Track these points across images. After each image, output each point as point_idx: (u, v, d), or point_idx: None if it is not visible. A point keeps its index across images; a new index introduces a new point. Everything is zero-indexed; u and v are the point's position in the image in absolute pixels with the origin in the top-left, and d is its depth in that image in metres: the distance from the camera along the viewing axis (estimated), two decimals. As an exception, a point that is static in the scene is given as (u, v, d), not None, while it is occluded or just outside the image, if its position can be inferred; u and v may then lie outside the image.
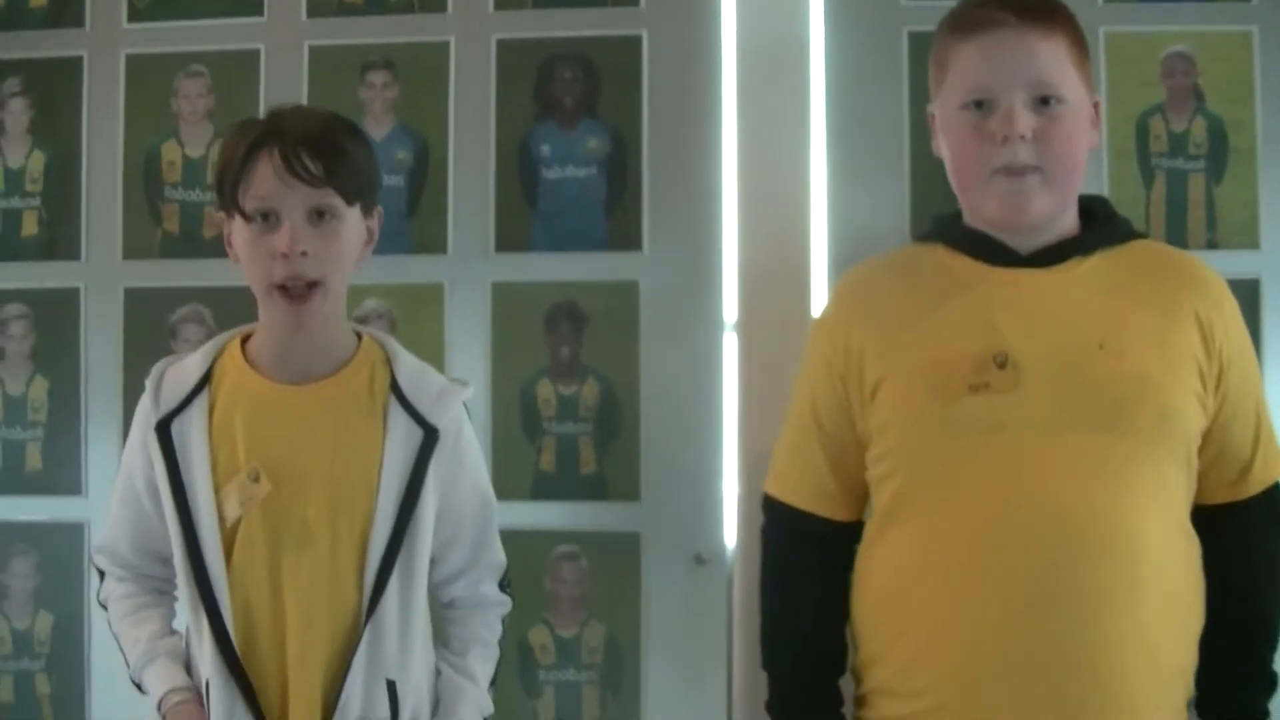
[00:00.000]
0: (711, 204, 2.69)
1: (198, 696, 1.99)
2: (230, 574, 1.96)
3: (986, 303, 1.92)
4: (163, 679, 2.02)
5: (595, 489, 2.71)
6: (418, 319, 2.72)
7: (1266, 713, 1.97)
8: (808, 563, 2.08)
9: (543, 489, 2.71)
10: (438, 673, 2.09)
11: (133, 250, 2.81)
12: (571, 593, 2.71)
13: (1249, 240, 2.56)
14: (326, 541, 1.97)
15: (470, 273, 2.73)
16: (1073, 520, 1.82)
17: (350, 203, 1.97)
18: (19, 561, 2.83)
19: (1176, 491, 1.90)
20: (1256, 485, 1.96)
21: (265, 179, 1.92)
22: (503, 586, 2.17)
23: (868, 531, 2.03)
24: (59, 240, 2.83)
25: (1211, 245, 2.55)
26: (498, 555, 2.17)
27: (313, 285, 1.95)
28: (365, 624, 1.96)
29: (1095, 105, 1.96)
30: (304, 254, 1.93)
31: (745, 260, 2.68)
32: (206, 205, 2.77)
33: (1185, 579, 1.90)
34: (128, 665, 2.06)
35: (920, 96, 2.56)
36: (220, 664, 1.94)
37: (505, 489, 2.55)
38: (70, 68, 2.83)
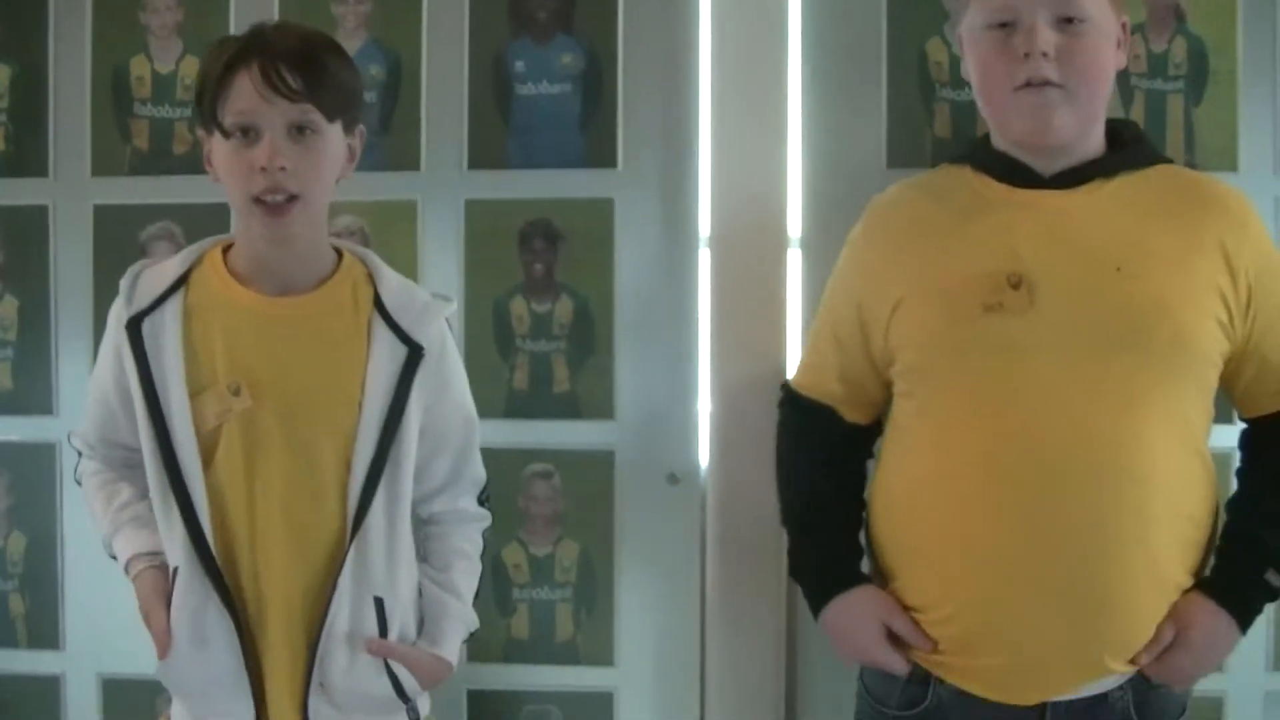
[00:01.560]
0: (687, 121, 2.72)
1: (163, 564, 2.05)
2: (206, 479, 2.01)
3: (1006, 224, 2.00)
4: (130, 543, 2.09)
5: (569, 407, 2.75)
6: (391, 236, 2.75)
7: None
8: (818, 438, 2.22)
9: (516, 407, 2.76)
10: (420, 589, 2.15)
11: (102, 167, 2.83)
12: (545, 511, 2.77)
13: (1227, 163, 2.60)
14: (307, 458, 2.03)
15: (444, 189, 2.76)
16: (1082, 440, 1.90)
17: (331, 119, 2.01)
18: None
19: (1191, 415, 1.97)
20: None
21: (245, 94, 1.96)
22: (482, 501, 2.24)
23: (884, 445, 2.14)
24: (26, 157, 2.85)
25: (1190, 167, 2.51)
26: (478, 470, 2.24)
27: (292, 199, 1.99)
28: (350, 541, 2.02)
29: (1124, 25, 2.03)
30: (283, 168, 1.97)
31: (721, 178, 2.71)
32: (176, 121, 2.80)
33: (1196, 502, 1.98)
34: (102, 536, 2.15)
35: (899, 18, 2.63)
36: (193, 557, 1.99)
37: (479, 407, 2.57)
38: (36, -17, 2.85)
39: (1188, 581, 1.98)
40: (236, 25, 2.77)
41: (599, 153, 2.74)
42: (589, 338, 2.75)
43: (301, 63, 1.98)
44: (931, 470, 2.02)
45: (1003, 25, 1.97)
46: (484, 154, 2.76)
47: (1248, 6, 2.62)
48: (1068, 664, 1.95)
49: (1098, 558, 1.90)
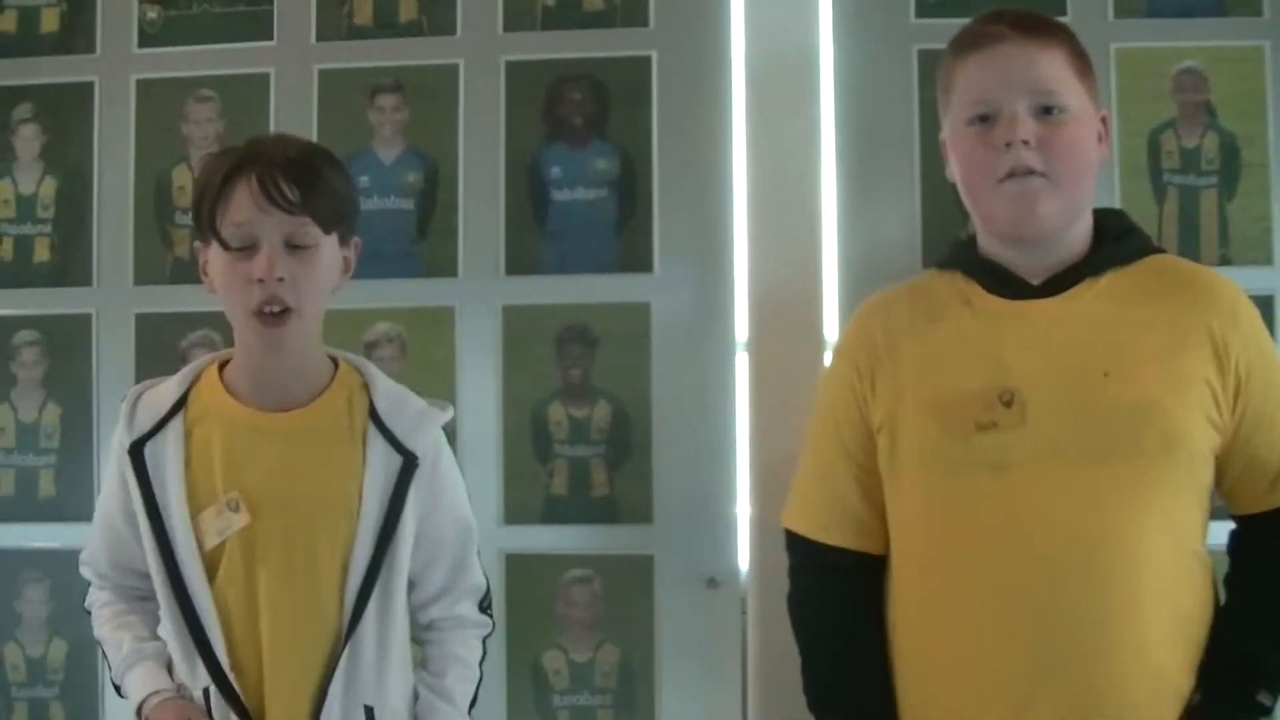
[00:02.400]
0: (722, 225, 2.77)
1: (179, 696, 2.07)
2: (211, 597, 2.03)
3: (996, 335, 2.01)
4: (145, 683, 2.09)
5: (607, 512, 2.78)
6: (428, 342, 2.79)
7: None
8: (845, 601, 2.13)
9: (554, 512, 2.78)
10: (416, 696, 2.16)
11: (144, 276, 2.90)
12: (584, 616, 2.78)
13: (1262, 256, 2.63)
14: (305, 571, 2.05)
15: (481, 295, 2.80)
16: (1073, 549, 1.90)
17: (327, 231, 2.05)
18: (32, 589, 2.92)
19: (1185, 514, 1.96)
20: None
21: (243, 206, 2.00)
22: (482, 608, 2.25)
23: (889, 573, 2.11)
24: (71, 266, 2.92)
25: (1225, 261, 2.62)
26: (476, 578, 2.24)
27: (285, 311, 2.02)
28: (343, 649, 2.04)
29: (1104, 119, 2.05)
30: (280, 280, 2.00)
31: (756, 281, 2.76)
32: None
33: (1192, 602, 1.97)
34: (109, 670, 2.16)
35: (930, 114, 2.64)
36: (212, 680, 2.02)
37: (516, 512, 2.70)
38: (81, 93, 2.93)
39: (1186, 680, 1.96)
40: (276, 130, 2.79)
41: (635, 257, 2.79)
42: (627, 442, 2.78)
43: (299, 174, 2.01)
44: (928, 595, 2.02)
45: (983, 120, 1.99)
46: (520, 259, 2.82)
47: (1278, 100, 2.66)
48: None
49: (1093, 658, 1.90)
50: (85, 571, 2.25)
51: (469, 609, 2.24)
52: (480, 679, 2.23)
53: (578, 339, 2.79)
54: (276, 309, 2.02)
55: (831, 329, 2.74)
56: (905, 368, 2.05)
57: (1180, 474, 1.95)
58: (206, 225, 2.04)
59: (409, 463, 2.11)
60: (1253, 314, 2.03)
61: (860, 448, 2.11)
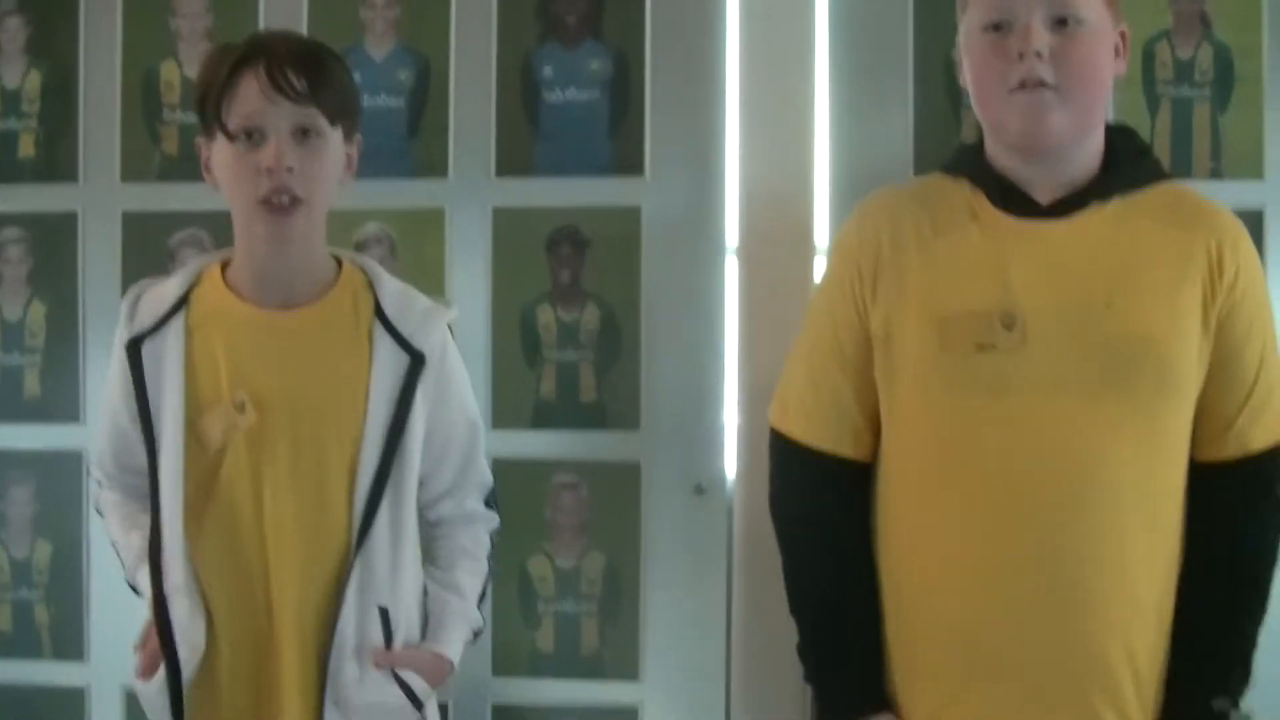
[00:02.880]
0: (715, 129, 2.76)
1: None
2: (213, 505, 2.06)
3: (1001, 255, 2.01)
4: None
5: (595, 417, 2.79)
6: (418, 243, 2.80)
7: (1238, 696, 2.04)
8: (830, 507, 2.15)
9: (543, 417, 2.79)
10: (425, 591, 2.19)
11: (131, 173, 2.89)
12: (571, 522, 2.80)
13: (1253, 170, 2.63)
14: (315, 470, 2.07)
15: (471, 196, 2.80)
16: (1066, 477, 1.94)
17: (333, 123, 2.06)
18: (17, 490, 2.94)
19: (1173, 452, 2.00)
20: (1233, 448, 2.02)
21: (250, 96, 2.01)
22: (489, 504, 2.28)
23: (880, 488, 2.13)
24: (56, 162, 2.91)
25: (1215, 175, 2.62)
26: (484, 474, 2.28)
27: (295, 201, 2.03)
28: (356, 553, 2.06)
29: (1122, 34, 2.04)
30: (289, 169, 2.01)
31: (747, 186, 2.76)
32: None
33: (1173, 537, 2.01)
34: (124, 568, 2.19)
35: (926, 21, 2.67)
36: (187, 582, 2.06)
37: (505, 417, 2.71)
38: (66, -17, 2.90)
39: (1163, 603, 1.99)
40: (267, 25, 2.82)
41: (627, 160, 2.78)
42: (615, 346, 2.79)
43: (305, 65, 2.03)
44: (922, 510, 2.05)
45: (997, 28, 1.98)
46: (512, 161, 2.81)
47: (1273, 12, 2.65)
48: (1062, 693, 1.97)
49: (1080, 579, 1.94)
50: (95, 472, 2.28)
51: (477, 504, 2.28)
52: (489, 573, 2.27)
53: (568, 241, 2.79)
54: (285, 199, 2.03)
55: (822, 234, 2.74)
56: (908, 276, 2.05)
57: (1172, 412, 1.98)
58: (212, 117, 2.04)
59: (416, 361, 2.12)
60: (1252, 252, 2.04)
61: (857, 351, 2.11)
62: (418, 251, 2.80)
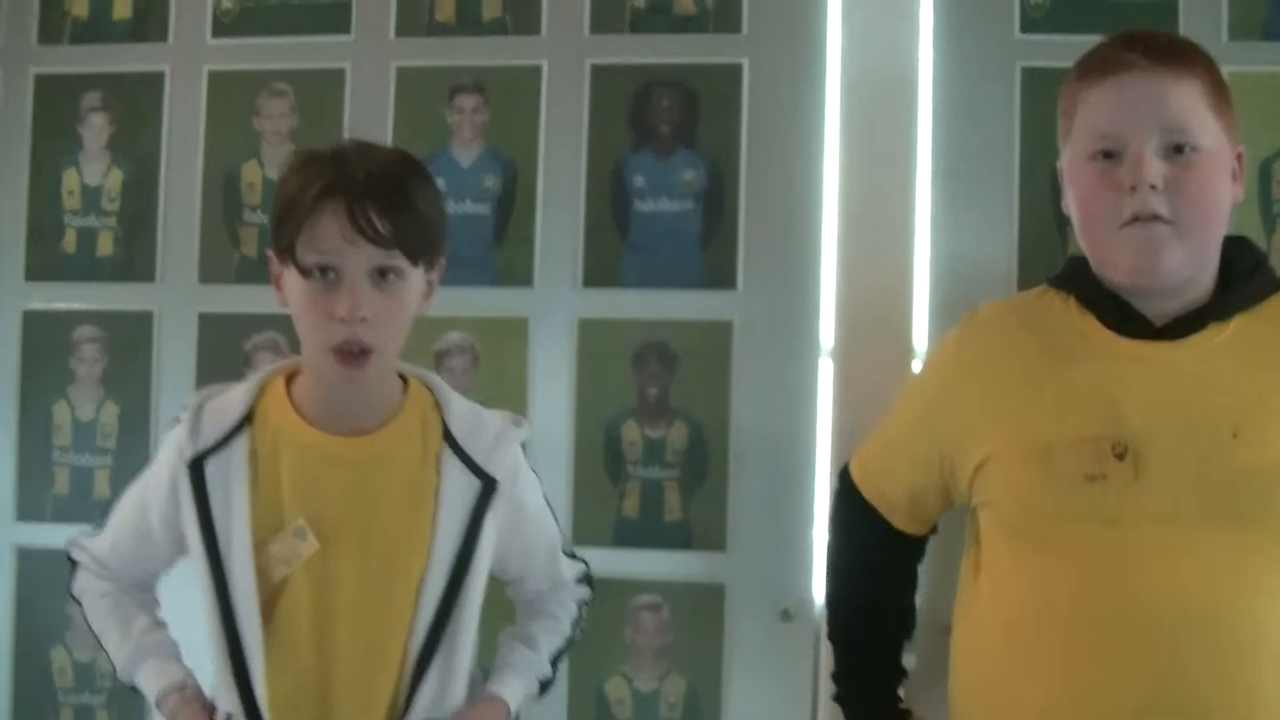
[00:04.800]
0: (810, 243, 2.75)
1: (197, 689, 2.09)
2: (271, 637, 2.02)
3: (1113, 379, 1.94)
4: (160, 675, 2.11)
5: (680, 537, 2.77)
6: (501, 353, 2.79)
7: None
8: (869, 545, 2.26)
9: (625, 536, 2.78)
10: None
11: (209, 274, 2.92)
12: (652, 644, 2.78)
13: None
14: (379, 603, 2.04)
15: (557, 307, 2.80)
16: (1189, 620, 1.83)
17: (415, 263, 2.01)
18: None
19: None
20: None
21: (329, 234, 1.95)
22: (581, 581, 2.30)
23: (966, 607, 2.10)
24: (135, 261, 2.95)
25: None
26: (571, 571, 2.30)
27: (368, 352, 1.99)
28: (411, 693, 2.04)
29: (1239, 156, 1.98)
30: (364, 319, 1.96)
31: (845, 288, 2.74)
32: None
33: None
34: (113, 665, 2.16)
35: (1031, 132, 2.65)
36: (241, 711, 2.01)
37: (586, 534, 2.69)
38: (152, 83, 2.96)
39: None
40: (351, 131, 2.83)
41: (719, 273, 2.77)
42: (703, 465, 2.77)
43: (391, 202, 1.96)
44: (1022, 632, 1.96)
45: (1107, 156, 1.93)
46: (599, 271, 2.81)
47: None
48: None
49: None
50: (79, 555, 2.23)
51: (569, 581, 2.30)
52: (571, 638, 2.28)
53: (656, 356, 2.79)
54: (357, 348, 1.99)
55: (921, 338, 2.72)
56: (1009, 403, 2.01)
57: None
58: (286, 246, 1.99)
59: (487, 486, 2.10)
60: None
61: (927, 463, 2.14)
62: (499, 362, 2.79)
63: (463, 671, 2.12)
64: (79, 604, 2.23)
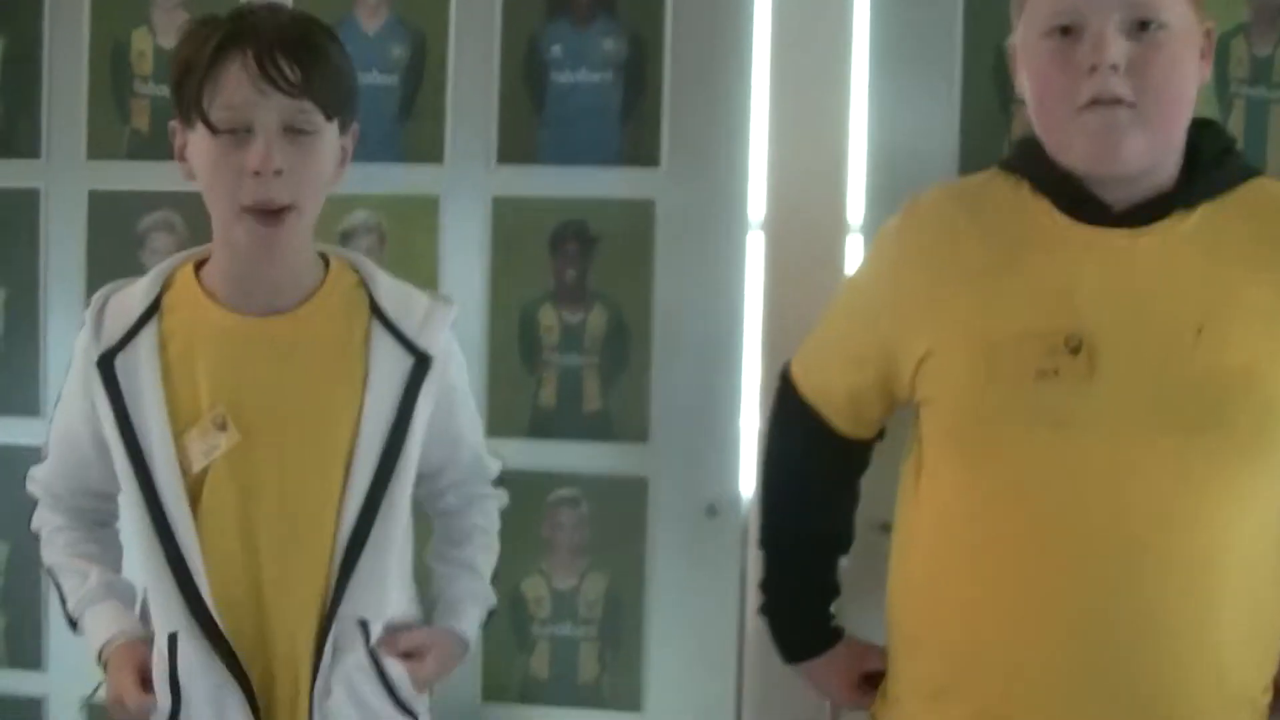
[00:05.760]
0: (739, 118, 2.68)
1: (143, 641, 2.04)
2: (198, 524, 1.98)
3: (1067, 269, 1.86)
4: (111, 622, 2.08)
5: (599, 428, 2.73)
6: (410, 234, 2.74)
7: None
8: (810, 451, 2.19)
9: (541, 426, 2.74)
10: (435, 579, 2.20)
11: (98, 149, 2.84)
12: (570, 540, 2.74)
13: (1334, 182, 2.54)
14: (304, 489, 2.00)
15: (468, 185, 2.74)
16: (1143, 532, 1.78)
17: (329, 117, 1.96)
18: None
19: (1271, 499, 1.83)
20: None
21: (237, 86, 1.90)
22: (496, 484, 2.28)
23: (906, 511, 2.05)
24: (17, 136, 2.86)
25: None
26: (492, 467, 2.27)
27: (285, 209, 1.94)
28: (342, 578, 2.00)
29: (1208, 33, 1.88)
30: (278, 172, 1.91)
31: (775, 163, 2.68)
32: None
33: (1270, 597, 1.86)
34: (63, 600, 2.12)
35: (976, 5, 2.57)
36: (189, 618, 1.97)
37: (500, 425, 2.64)
38: (33, -56, 2.84)
39: (1257, 690, 1.87)
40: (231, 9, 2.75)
41: (640, 150, 2.70)
42: (623, 352, 2.72)
43: (300, 51, 1.92)
44: (964, 549, 1.91)
45: (1065, 32, 1.82)
46: (514, 147, 2.74)
47: (1365, 6, 2.53)
48: None
49: (1152, 661, 1.80)
50: (34, 489, 2.20)
51: (485, 486, 2.27)
52: (498, 550, 2.27)
53: (574, 237, 2.73)
54: (274, 207, 1.93)
55: (856, 213, 2.67)
56: (955, 296, 1.92)
57: (1273, 456, 1.82)
58: (192, 105, 1.93)
59: (421, 362, 2.05)
60: None
61: (869, 360, 2.06)
62: (408, 243, 2.73)
63: (397, 566, 2.09)
64: (37, 538, 2.20)
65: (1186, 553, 1.78)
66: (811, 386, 2.17)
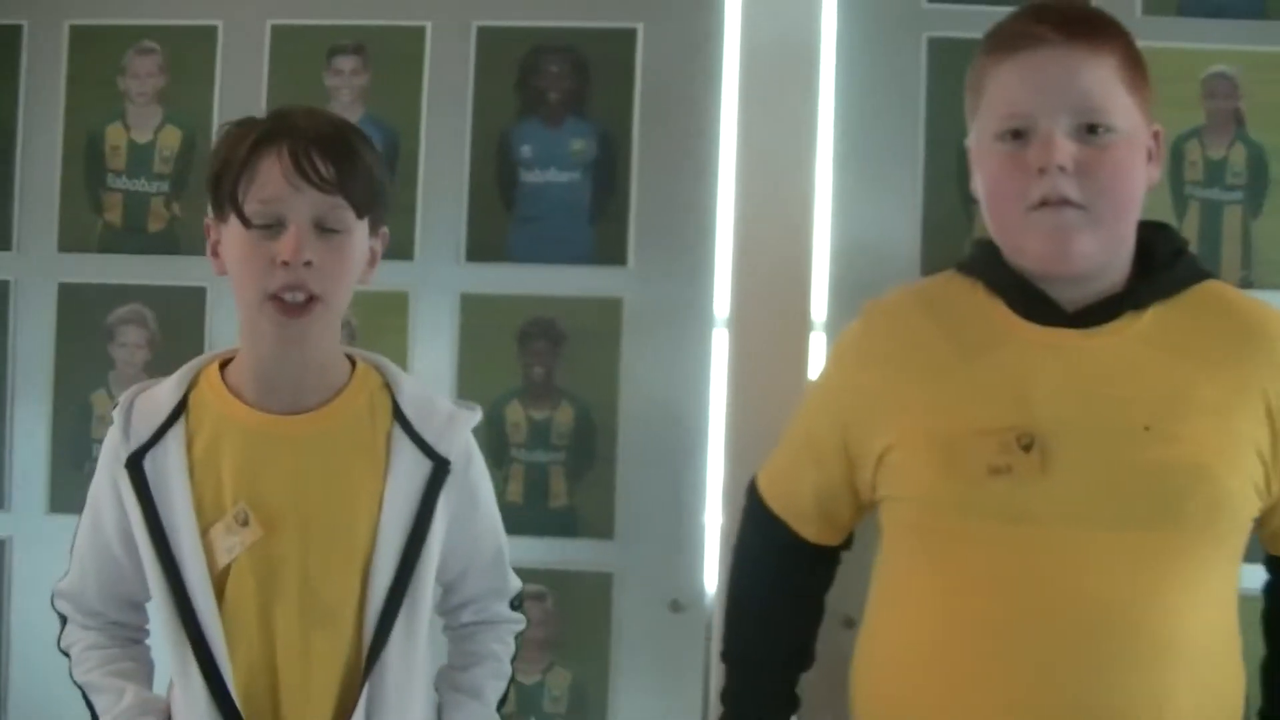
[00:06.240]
0: (705, 218, 2.72)
1: None
2: (222, 622, 1.96)
3: (1021, 369, 1.88)
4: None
5: (566, 524, 2.74)
6: (379, 330, 2.74)
7: None
8: (776, 566, 2.17)
9: (508, 522, 2.59)
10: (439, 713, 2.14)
11: (70, 242, 2.85)
12: (536, 635, 2.72)
13: (1286, 280, 2.58)
14: (324, 588, 1.98)
15: (439, 281, 2.76)
16: (1098, 623, 1.79)
17: (360, 215, 1.97)
18: None
19: (1223, 587, 1.86)
20: None
21: (272, 179, 1.91)
22: (515, 606, 2.23)
23: (873, 607, 2.04)
24: None
25: (1246, 284, 2.56)
26: (512, 581, 2.23)
27: (311, 299, 1.94)
28: (366, 677, 1.98)
29: (1156, 135, 1.92)
30: (308, 263, 1.92)
31: (740, 261, 2.71)
32: (153, 196, 2.81)
33: (1227, 677, 1.88)
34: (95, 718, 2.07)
35: (938, 107, 2.64)
36: (217, 718, 1.94)
37: (467, 520, 2.65)
38: (9, 37, 2.86)
39: None
40: (222, 92, 2.80)
41: (609, 248, 2.74)
42: (590, 449, 2.74)
43: (334, 150, 1.94)
44: (924, 644, 1.91)
45: (1016, 135, 1.86)
46: (484, 245, 2.77)
47: (1313, 111, 2.60)
48: None
49: None
50: (63, 606, 2.15)
51: (502, 608, 2.22)
52: (512, 677, 2.22)
53: (542, 334, 2.75)
54: (300, 297, 1.94)
55: (819, 309, 2.70)
56: (913, 396, 1.95)
57: (1223, 546, 1.85)
58: (227, 199, 1.94)
59: (440, 468, 2.05)
60: None
61: (831, 460, 2.07)
62: (378, 339, 2.70)
63: (420, 671, 2.07)
64: (67, 656, 2.15)
65: (1142, 642, 1.79)
66: (777, 495, 2.17)
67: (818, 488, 2.11)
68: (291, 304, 1.94)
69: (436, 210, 2.77)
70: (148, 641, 2.13)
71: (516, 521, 2.65)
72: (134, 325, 2.79)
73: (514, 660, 2.22)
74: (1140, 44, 1.94)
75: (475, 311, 2.77)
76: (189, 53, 2.83)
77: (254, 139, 1.93)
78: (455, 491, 2.07)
